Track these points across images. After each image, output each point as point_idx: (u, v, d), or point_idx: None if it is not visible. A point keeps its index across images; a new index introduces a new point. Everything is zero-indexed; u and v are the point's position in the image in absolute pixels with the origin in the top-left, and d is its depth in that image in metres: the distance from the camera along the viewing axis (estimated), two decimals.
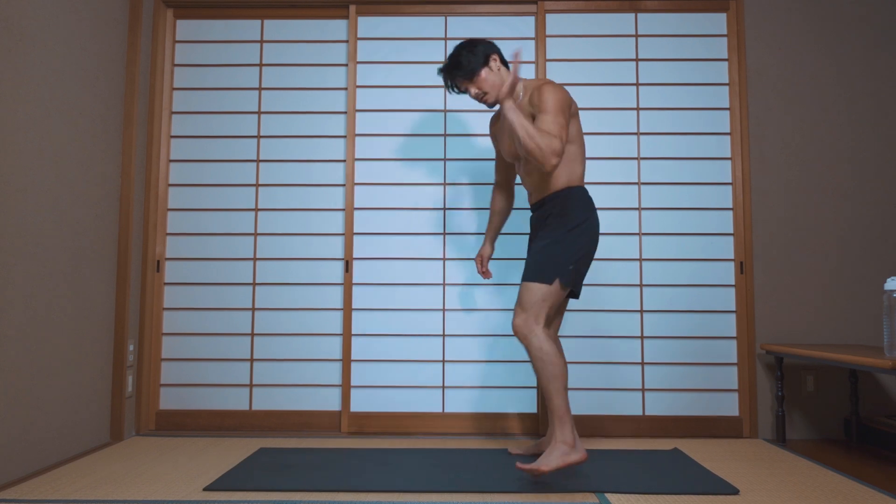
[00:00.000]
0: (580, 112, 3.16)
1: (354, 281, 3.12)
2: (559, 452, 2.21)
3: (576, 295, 2.45)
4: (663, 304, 3.09)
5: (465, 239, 3.13)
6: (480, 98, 2.47)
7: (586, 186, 3.03)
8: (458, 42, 3.20)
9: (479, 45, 2.46)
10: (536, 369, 2.29)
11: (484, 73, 2.43)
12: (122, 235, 2.91)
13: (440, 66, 2.55)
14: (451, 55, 2.49)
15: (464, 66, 2.43)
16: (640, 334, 3.08)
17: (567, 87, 3.18)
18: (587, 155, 3.14)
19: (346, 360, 3.08)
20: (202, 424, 3.09)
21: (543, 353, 2.26)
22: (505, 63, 2.50)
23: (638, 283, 3.10)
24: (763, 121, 3.14)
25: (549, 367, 2.24)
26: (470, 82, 2.45)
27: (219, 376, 3.12)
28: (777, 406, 2.96)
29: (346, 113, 3.20)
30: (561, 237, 2.35)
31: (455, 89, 2.52)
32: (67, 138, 2.53)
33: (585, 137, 3.14)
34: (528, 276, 2.35)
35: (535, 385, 3.07)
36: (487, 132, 3.17)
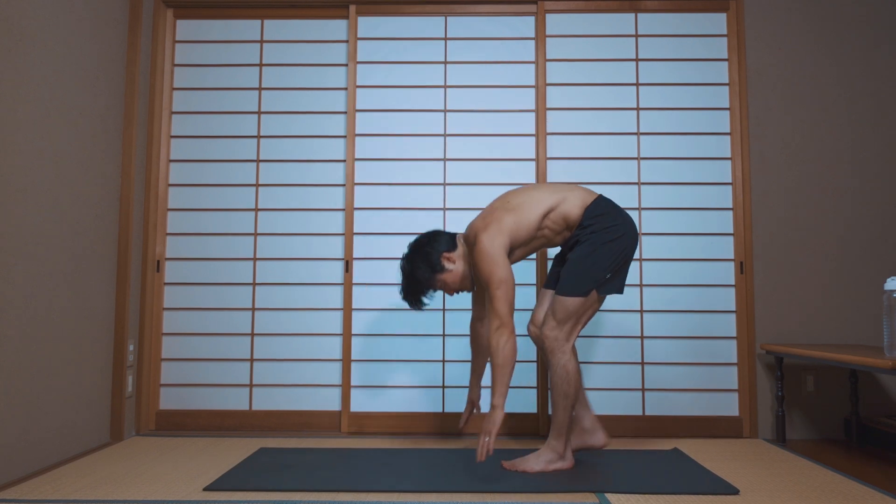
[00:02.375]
0: (578, 112, 3.17)
1: (354, 281, 3.12)
2: (546, 458, 2.36)
3: (620, 292, 2.44)
4: (663, 304, 3.09)
5: None
6: (457, 292, 2.49)
7: (590, 187, 3.05)
8: (457, 40, 3.20)
9: (420, 263, 2.40)
10: (554, 382, 2.36)
11: (444, 277, 2.41)
12: (122, 235, 2.91)
13: (402, 296, 2.49)
14: (404, 286, 2.44)
15: (423, 285, 2.41)
16: (640, 334, 3.08)
17: (567, 87, 3.18)
18: (585, 154, 3.15)
19: (346, 360, 3.08)
20: (202, 424, 3.09)
21: (566, 372, 2.34)
22: (453, 242, 2.44)
23: (638, 283, 3.10)
24: (763, 121, 3.14)
25: (566, 386, 2.34)
26: (438, 289, 2.46)
27: (219, 376, 3.12)
28: (777, 406, 2.96)
29: (346, 113, 3.20)
30: (596, 247, 2.33)
31: (425, 303, 2.48)
32: (67, 138, 2.53)
33: (585, 138, 3.15)
34: (563, 290, 2.33)
35: (535, 385, 3.07)
36: (487, 132, 3.17)
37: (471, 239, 2.39)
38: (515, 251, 2.40)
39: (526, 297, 3.06)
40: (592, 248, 2.33)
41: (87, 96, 2.67)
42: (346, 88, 3.22)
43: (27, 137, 2.29)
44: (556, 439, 2.37)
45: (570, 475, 2.30)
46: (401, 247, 3.11)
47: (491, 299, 2.24)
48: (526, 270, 3.10)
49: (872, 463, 2.61)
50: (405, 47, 3.23)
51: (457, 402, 3.07)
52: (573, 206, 2.38)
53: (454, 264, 2.42)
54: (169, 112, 3.21)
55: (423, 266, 2.39)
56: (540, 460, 2.36)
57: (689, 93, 3.18)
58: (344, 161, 3.18)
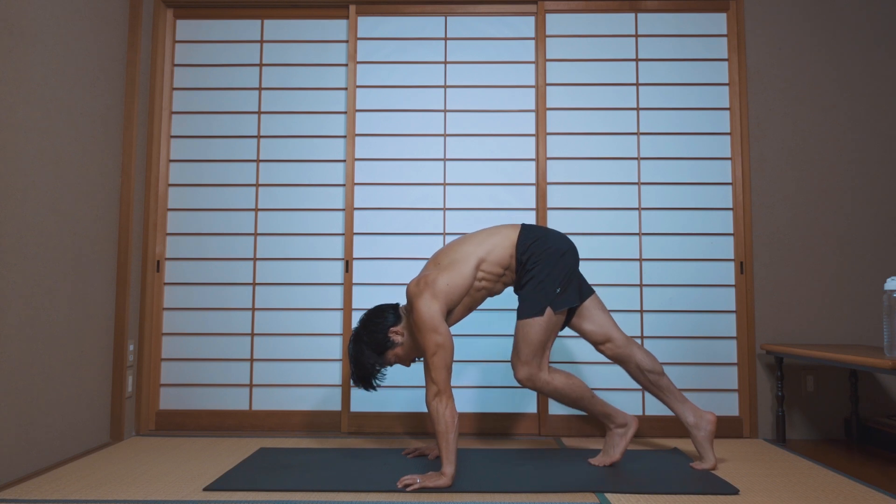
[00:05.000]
0: (578, 112, 3.17)
1: (354, 281, 3.12)
2: (618, 436, 2.46)
3: (582, 300, 2.44)
4: (663, 304, 3.09)
5: None
6: (413, 362, 2.45)
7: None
8: (457, 40, 3.19)
9: (364, 348, 2.33)
10: (563, 402, 2.43)
11: (395, 352, 2.36)
12: (122, 235, 2.91)
13: (352, 383, 2.43)
14: (353, 372, 2.37)
15: (372, 368, 2.35)
16: (640, 334, 3.08)
17: (567, 87, 3.18)
18: (585, 154, 3.15)
19: (346, 360, 3.08)
20: (202, 424, 3.09)
21: (558, 391, 2.39)
22: (397, 315, 2.38)
23: (638, 283, 3.10)
24: (763, 121, 3.14)
25: (570, 395, 2.40)
26: (392, 364, 2.40)
27: (219, 376, 3.12)
28: (777, 406, 2.96)
29: (346, 113, 3.20)
30: (542, 270, 2.35)
31: (378, 384, 2.41)
32: (67, 138, 2.53)
33: (585, 138, 3.16)
34: (520, 314, 2.36)
35: None
36: (487, 132, 3.17)
37: (408, 306, 2.35)
38: (455, 309, 2.38)
39: None
40: (539, 272, 2.35)
41: (87, 96, 2.67)
42: (346, 88, 3.22)
43: (27, 137, 2.29)
44: (612, 418, 2.46)
45: (570, 475, 2.30)
46: (401, 247, 3.14)
47: (428, 366, 2.23)
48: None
49: (872, 463, 2.61)
50: (405, 47, 3.23)
51: (457, 402, 3.05)
52: (502, 249, 2.39)
53: (402, 337, 2.37)
54: (169, 112, 3.21)
55: (369, 350, 2.34)
56: (621, 446, 2.44)
57: (689, 93, 3.18)
58: (344, 161, 3.19)
